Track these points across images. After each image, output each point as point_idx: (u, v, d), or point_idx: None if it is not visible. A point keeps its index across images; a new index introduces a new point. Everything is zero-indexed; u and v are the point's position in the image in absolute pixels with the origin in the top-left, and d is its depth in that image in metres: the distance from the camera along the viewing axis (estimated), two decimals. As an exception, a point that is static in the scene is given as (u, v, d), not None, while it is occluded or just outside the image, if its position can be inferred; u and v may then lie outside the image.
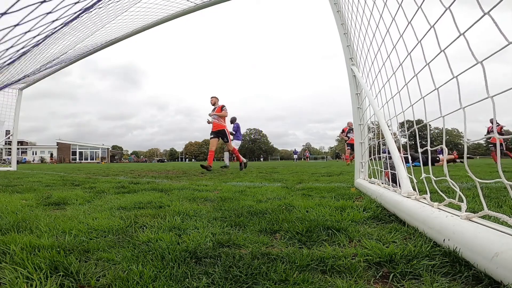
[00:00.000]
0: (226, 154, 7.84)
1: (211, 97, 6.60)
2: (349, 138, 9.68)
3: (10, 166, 8.49)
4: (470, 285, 0.72)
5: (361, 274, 0.79)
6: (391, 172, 1.90)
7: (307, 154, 43.02)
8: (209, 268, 0.83)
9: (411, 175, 1.52)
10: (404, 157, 1.81)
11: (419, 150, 1.37)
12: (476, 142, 1.19)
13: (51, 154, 38.09)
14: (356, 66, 2.78)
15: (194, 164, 20.46)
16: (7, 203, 1.93)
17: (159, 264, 0.85)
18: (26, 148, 45.90)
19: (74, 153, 46.45)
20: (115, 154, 59.82)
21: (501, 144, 9.05)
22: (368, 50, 2.25)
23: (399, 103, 1.67)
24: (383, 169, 2.18)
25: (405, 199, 1.36)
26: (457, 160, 8.50)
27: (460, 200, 1.04)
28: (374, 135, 2.53)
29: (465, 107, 1.03)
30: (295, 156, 36.74)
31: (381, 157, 2.31)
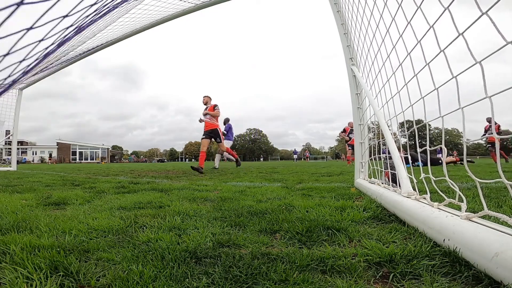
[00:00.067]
0: (218, 157, 7.65)
1: (204, 96, 6.50)
2: (350, 138, 9.64)
3: (10, 166, 8.49)
4: (470, 285, 0.72)
5: (361, 274, 0.79)
6: (391, 172, 1.90)
7: (307, 154, 43.03)
8: (209, 268, 0.83)
9: (411, 175, 1.52)
10: (404, 157, 1.81)
11: (418, 150, 1.37)
12: (476, 142, 1.19)
13: (50, 154, 37.87)
14: (356, 66, 2.78)
15: (194, 164, 20.44)
16: (7, 203, 1.93)
17: (159, 264, 0.85)
18: (26, 148, 45.91)
19: (74, 153, 46.46)
20: (115, 154, 59.83)
21: (493, 143, 9.04)
22: (368, 50, 2.26)
23: (399, 103, 1.67)
24: (383, 169, 2.18)
25: (405, 199, 1.36)
26: (458, 163, 8.50)
27: (460, 200, 1.04)
28: (374, 135, 2.54)
29: (464, 107, 1.03)
30: (295, 156, 36.78)
31: (381, 157, 2.31)
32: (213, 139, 6.42)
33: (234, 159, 7.36)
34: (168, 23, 4.76)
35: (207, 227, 1.26)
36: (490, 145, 9.41)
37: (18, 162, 10.43)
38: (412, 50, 1.41)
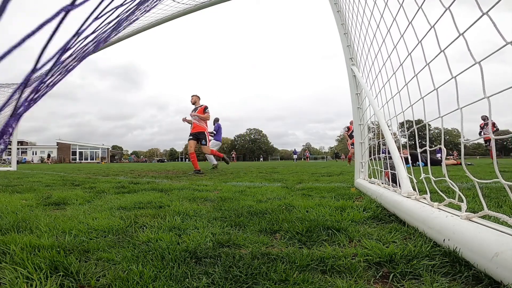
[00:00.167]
0: (210, 156, 7.44)
1: (192, 96, 6.18)
2: (353, 137, 9.52)
3: (10, 166, 8.49)
4: (470, 285, 0.72)
5: (361, 274, 0.79)
6: (391, 172, 1.90)
7: (307, 154, 43.06)
8: (209, 268, 0.84)
9: (411, 175, 1.52)
10: (404, 157, 1.81)
11: (418, 150, 1.38)
12: (476, 142, 1.19)
13: (48, 155, 37.43)
14: (356, 66, 2.78)
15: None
16: (7, 203, 1.93)
17: (159, 264, 0.85)
18: (26, 148, 45.88)
19: (74, 153, 46.47)
20: (115, 154, 59.83)
21: (489, 141, 9.03)
22: (368, 50, 2.26)
23: (399, 103, 1.67)
24: (383, 169, 2.18)
25: (405, 199, 1.36)
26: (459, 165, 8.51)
27: (460, 200, 1.05)
28: (374, 135, 2.54)
29: (463, 107, 1.03)
30: (295, 156, 36.79)
31: (381, 157, 2.31)
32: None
33: (221, 159, 7.06)
34: (168, 23, 4.76)
35: (207, 227, 1.26)
36: (487, 144, 9.40)
37: (18, 162, 10.42)
38: (413, 50, 1.41)
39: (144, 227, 1.28)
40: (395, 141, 1.93)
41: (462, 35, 0.99)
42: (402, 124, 1.94)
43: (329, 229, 1.18)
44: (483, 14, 0.86)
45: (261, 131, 76.70)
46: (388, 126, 2.00)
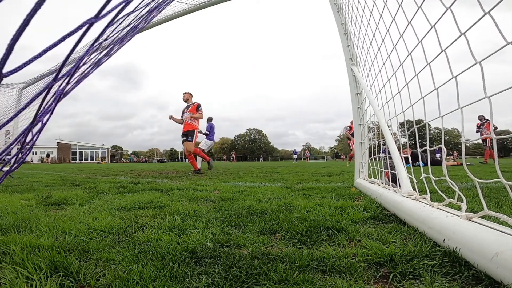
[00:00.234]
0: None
1: (184, 93, 5.90)
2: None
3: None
4: (470, 285, 0.72)
5: (361, 274, 0.79)
6: (391, 172, 1.90)
7: (307, 154, 43.06)
8: (209, 268, 0.83)
9: (411, 175, 1.52)
10: (405, 156, 1.81)
11: (419, 150, 1.38)
12: (476, 142, 1.19)
13: (47, 154, 36.93)
14: (356, 66, 2.78)
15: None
16: (7, 203, 1.93)
17: (159, 264, 0.85)
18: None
19: (74, 153, 46.45)
20: (115, 154, 59.84)
21: (487, 141, 9.02)
22: (368, 50, 2.26)
23: (399, 103, 1.67)
24: (383, 169, 2.18)
25: (405, 199, 1.36)
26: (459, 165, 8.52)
27: (460, 200, 1.04)
28: (374, 135, 2.54)
29: (463, 107, 1.03)
30: (295, 156, 36.78)
31: (381, 157, 2.31)
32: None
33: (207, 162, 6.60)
34: (168, 23, 4.76)
35: (207, 227, 1.26)
36: (485, 144, 9.42)
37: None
38: (413, 50, 1.41)
39: (144, 227, 1.28)
40: (395, 141, 1.93)
41: (463, 35, 0.99)
42: (402, 124, 1.94)
43: (329, 229, 1.18)
44: (485, 13, 0.86)
45: (261, 131, 76.70)
46: (388, 126, 2.00)
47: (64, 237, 1.13)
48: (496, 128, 8.99)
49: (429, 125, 1.32)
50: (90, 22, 0.39)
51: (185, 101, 5.93)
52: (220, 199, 2.04)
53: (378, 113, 2.11)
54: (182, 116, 5.86)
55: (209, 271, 0.81)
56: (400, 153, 1.83)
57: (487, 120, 8.81)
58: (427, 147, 1.33)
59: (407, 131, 1.75)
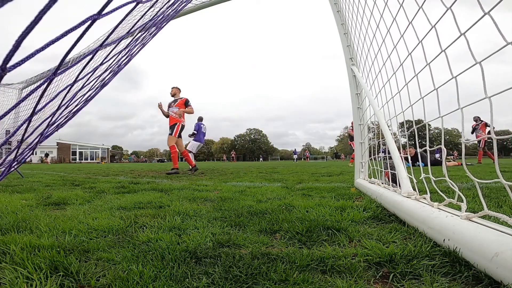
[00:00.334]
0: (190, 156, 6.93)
1: (172, 88, 5.79)
2: None
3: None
4: (470, 285, 0.72)
5: (361, 274, 0.79)
6: (391, 172, 1.90)
7: (307, 154, 43.06)
8: (209, 268, 0.84)
9: (411, 175, 1.52)
10: (410, 156, 1.81)
11: (419, 150, 1.38)
12: (476, 142, 1.19)
13: (46, 154, 36.40)
14: (356, 66, 2.78)
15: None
16: (7, 203, 1.93)
17: (159, 264, 0.85)
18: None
19: (74, 153, 46.45)
20: (115, 154, 59.83)
21: (480, 142, 9.03)
22: (368, 50, 2.26)
23: (399, 103, 1.67)
24: (383, 169, 2.18)
25: (405, 199, 1.36)
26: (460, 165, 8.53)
27: (460, 200, 1.04)
28: (374, 135, 2.54)
29: (463, 107, 1.03)
30: (295, 156, 36.77)
31: (381, 157, 2.31)
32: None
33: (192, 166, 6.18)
34: (168, 23, 4.76)
35: (207, 227, 1.26)
36: (479, 145, 9.43)
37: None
38: (413, 50, 1.41)
39: (144, 227, 1.28)
40: (395, 141, 1.93)
41: (463, 35, 0.99)
42: (402, 124, 1.94)
43: (329, 229, 1.18)
44: (485, 14, 0.86)
45: (261, 131, 76.70)
46: (388, 126, 2.00)
47: (64, 237, 1.13)
48: (493, 127, 9.00)
49: (429, 125, 1.33)
50: (92, 19, 0.39)
51: (172, 96, 5.84)
52: (220, 199, 2.04)
53: (378, 113, 2.11)
54: (168, 110, 5.74)
55: (209, 271, 0.81)
56: (400, 153, 1.83)
57: (482, 121, 8.85)
58: (427, 147, 1.33)
59: (407, 131, 1.75)
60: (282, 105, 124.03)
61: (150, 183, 3.29)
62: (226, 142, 74.97)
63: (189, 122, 7.56)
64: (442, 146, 1.20)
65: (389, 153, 1.88)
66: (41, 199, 2.16)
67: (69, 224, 1.32)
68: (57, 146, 46.31)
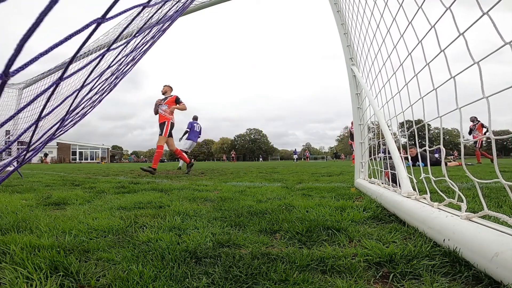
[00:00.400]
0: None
1: (164, 86, 5.64)
2: None
3: (11, 166, 8.48)
4: (470, 285, 0.72)
5: (361, 274, 0.79)
6: (391, 172, 1.90)
7: (307, 154, 43.06)
8: (209, 268, 0.84)
9: (411, 175, 1.52)
10: (404, 157, 1.81)
11: (418, 150, 1.38)
12: (474, 142, 1.19)
13: (45, 154, 35.99)
14: (356, 66, 2.78)
15: (194, 164, 20.43)
16: (7, 203, 1.93)
17: (159, 264, 0.85)
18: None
19: (74, 153, 46.43)
20: (115, 154, 59.83)
21: (478, 142, 9.04)
22: (368, 50, 2.26)
23: (399, 103, 1.67)
24: (383, 169, 2.18)
25: (405, 199, 1.36)
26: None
27: (460, 200, 1.05)
28: (374, 135, 2.54)
29: (461, 107, 1.03)
30: (295, 156, 36.76)
31: (380, 157, 2.31)
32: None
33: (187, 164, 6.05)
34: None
35: (207, 227, 1.26)
36: (475, 145, 9.45)
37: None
38: (413, 50, 1.41)
39: (144, 227, 1.28)
40: (395, 141, 1.93)
41: (462, 35, 1.00)
42: (402, 124, 1.94)
43: (329, 229, 1.18)
44: (484, 14, 0.86)
45: (261, 131, 76.69)
46: (388, 126, 2.00)
47: (64, 237, 1.13)
48: (487, 130, 9.01)
49: (429, 125, 1.33)
50: (97, 22, 0.39)
51: (163, 94, 5.67)
52: (220, 199, 2.04)
53: (378, 113, 2.11)
54: (157, 108, 5.55)
55: (209, 271, 0.81)
56: (400, 153, 1.83)
57: (479, 121, 8.86)
58: (427, 147, 1.33)
59: (407, 131, 1.75)
60: (282, 105, 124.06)
61: (150, 183, 3.29)
62: (226, 142, 74.97)
63: (185, 122, 7.53)
64: (441, 146, 1.20)
65: (389, 153, 1.88)
66: (41, 199, 2.16)
67: (69, 224, 1.32)
68: (57, 146, 46.29)
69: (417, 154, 5.89)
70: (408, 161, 1.80)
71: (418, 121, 1.48)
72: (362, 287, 0.72)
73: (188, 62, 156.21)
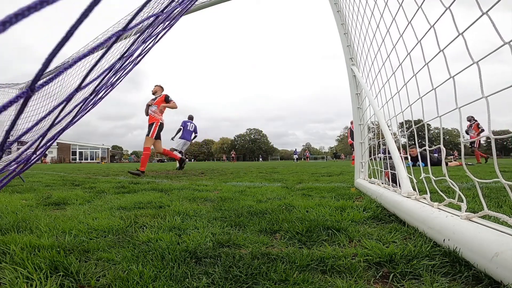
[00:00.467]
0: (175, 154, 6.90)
1: (155, 85, 5.54)
2: None
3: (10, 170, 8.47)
4: (470, 285, 0.72)
5: (361, 274, 0.79)
6: (391, 172, 1.90)
7: (307, 154, 43.06)
8: (209, 268, 0.84)
9: (411, 175, 1.52)
10: (404, 157, 1.81)
11: (418, 150, 1.38)
12: (473, 141, 1.19)
13: (45, 154, 36.36)
14: (356, 66, 2.78)
15: (194, 164, 20.48)
16: (7, 203, 1.93)
17: (159, 264, 0.85)
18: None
19: (74, 153, 46.42)
20: (115, 154, 59.84)
21: (473, 143, 9.03)
22: (368, 50, 2.26)
23: (399, 103, 1.67)
24: (383, 169, 2.18)
25: (405, 199, 1.36)
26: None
27: (460, 200, 1.05)
28: (374, 135, 2.54)
29: (461, 107, 1.03)
30: (296, 156, 36.75)
31: (380, 157, 2.31)
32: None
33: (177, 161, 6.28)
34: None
35: (207, 227, 1.26)
36: (471, 146, 9.44)
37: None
38: (412, 50, 1.41)
39: (144, 227, 1.28)
40: (395, 141, 1.93)
41: (461, 35, 1.00)
42: (402, 124, 1.94)
43: (329, 229, 1.18)
44: (483, 13, 0.87)
45: (261, 131, 76.72)
46: (388, 126, 2.00)
47: (64, 237, 1.13)
48: (482, 130, 8.98)
49: (428, 125, 1.33)
50: (118, 35, 0.40)
51: (153, 94, 5.54)
52: (220, 199, 2.04)
53: (378, 113, 2.11)
54: (147, 109, 5.46)
55: (209, 271, 0.81)
56: (400, 153, 1.83)
57: (475, 121, 8.85)
58: (426, 147, 1.33)
59: (407, 131, 1.75)
60: (282, 105, 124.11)
61: (150, 183, 3.29)
62: (226, 142, 74.98)
63: (181, 121, 7.47)
64: (441, 146, 1.20)
65: (389, 153, 1.88)
66: (41, 199, 2.16)
67: (69, 224, 1.32)
68: (57, 146, 46.28)
69: (417, 154, 5.90)
70: (408, 161, 1.80)
71: (418, 121, 1.48)
72: (362, 287, 0.72)
73: (188, 62, 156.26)
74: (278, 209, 1.62)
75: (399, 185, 1.62)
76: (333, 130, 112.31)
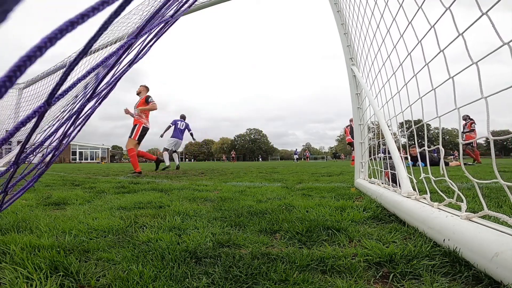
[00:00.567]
0: (166, 155, 6.97)
1: (140, 86, 5.45)
2: None
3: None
4: (470, 285, 0.72)
5: (361, 274, 0.79)
6: (391, 172, 1.90)
7: (307, 154, 43.07)
8: (209, 268, 0.84)
9: (411, 175, 1.52)
10: (404, 157, 1.81)
11: (418, 150, 1.38)
12: (473, 142, 1.19)
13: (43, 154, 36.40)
14: (356, 66, 2.78)
15: (194, 164, 20.47)
16: (7, 203, 1.93)
17: (159, 264, 0.85)
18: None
19: (74, 153, 46.41)
20: (115, 154, 59.81)
21: (471, 143, 9.02)
22: (368, 50, 2.26)
23: (399, 103, 1.67)
24: (383, 169, 2.18)
25: (405, 199, 1.36)
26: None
27: (460, 200, 1.05)
28: (374, 135, 2.54)
29: (460, 107, 1.03)
30: (296, 156, 36.75)
31: (380, 158, 2.31)
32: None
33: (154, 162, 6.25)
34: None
35: (207, 227, 1.26)
36: (465, 145, 9.41)
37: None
38: (412, 50, 1.41)
39: (144, 227, 1.28)
40: (395, 141, 1.93)
41: (461, 35, 1.00)
42: (402, 124, 1.94)
43: (329, 229, 1.19)
44: (483, 14, 0.87)
45: (261, 131, 76.74)
46: (388, 126, 2.00)
47: (64, 237, 1.13)
48: (473, 130, 8.94)
49: (428, 125, 1.33)
50: (130, 43, 0.40)
51: (138, 94, 5.44)
52: (220, 199, 2.04)
53: (378, 113, 2.11)
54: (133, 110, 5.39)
55: (209, 271, 0.81)
56: (400, 153, 1.83)
57: (471, 119, 8.82)
58: (426, 147, 1.33)
59: (407, 131, 1.75)
60: (282, 105, 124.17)
61: (150, 183, 3.29)
62: (226, 142, 75.00)
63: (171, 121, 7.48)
64: (440, 146, 1.20)
65: (389, 153, 1.88)
66: (41, 199, 2.16)
67: (69, 224, 1.32)
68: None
69: (417, 154, 5.90)
70: (408, 161, 1.80)
71: (418, 121, 1.48)
72: (362, 287, 0.72)
73: (188, 62, 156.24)
74: (278, 209, 1.62)
75: (399, 185, 1.62)
76: (333, 130, 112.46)
